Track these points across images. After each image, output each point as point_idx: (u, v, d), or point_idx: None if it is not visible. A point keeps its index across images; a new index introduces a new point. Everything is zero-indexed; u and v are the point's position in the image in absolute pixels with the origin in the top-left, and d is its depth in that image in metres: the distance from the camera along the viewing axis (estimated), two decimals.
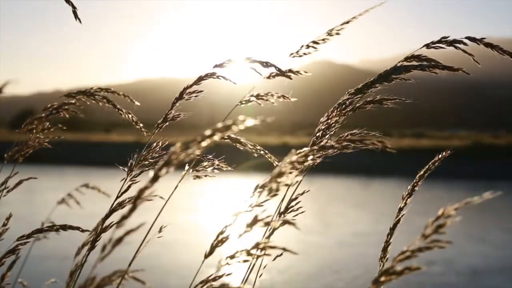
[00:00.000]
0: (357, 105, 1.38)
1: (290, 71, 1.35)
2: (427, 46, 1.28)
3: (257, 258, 0.93)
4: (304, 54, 1.35)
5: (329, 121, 1.38)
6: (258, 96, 1.40)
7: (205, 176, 1.44)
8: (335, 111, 1.38)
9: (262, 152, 1.49)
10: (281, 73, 1.35)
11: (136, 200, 0.79)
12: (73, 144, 35.04)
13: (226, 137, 1.45)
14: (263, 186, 1.03)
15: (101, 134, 57.15)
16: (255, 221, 0.86)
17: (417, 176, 1.55)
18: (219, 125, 0.86)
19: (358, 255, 11.61)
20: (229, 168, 1.49)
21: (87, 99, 1.52)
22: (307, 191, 1.32)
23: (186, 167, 1.37)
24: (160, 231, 1.40)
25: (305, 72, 1.35)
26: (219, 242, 1.11)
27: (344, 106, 1.37)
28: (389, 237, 1.39)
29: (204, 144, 0.85)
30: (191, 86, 1.47)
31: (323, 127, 1.39)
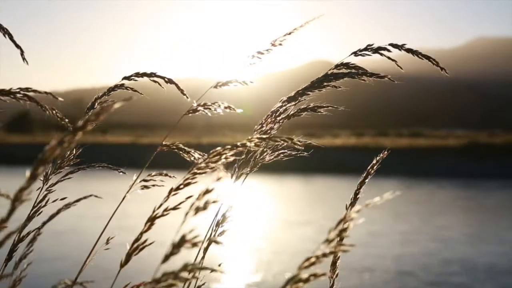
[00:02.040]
0: (291, 112, 1.41)
1: (236, 80, 1.38)
2: (355, 54, 1.33)
3: (185, 282, 0.86)
4: (251, 64, 1.37)
5: (263, 128, 1.40)
6: (205, 106, 1.41)
7: (153, 186, 1.44)
8: (269, 118, 1.40)
9: (199, 158, 1.43)
10: (226, 83, 1.38)
11: (14, 202, 0.77)
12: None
13: (175, 146, 1.48)
14: (177, 188, 1.02)
15: (97, 135, 57.04)
16: (182, 242, 0.81)
17: (359, 181, 1.54)
18: (92, 115, 0.83)
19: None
20: (175, 176, 1.47)
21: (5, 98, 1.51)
22: (245, 202, 1.28)
23: (134, 177, 1.37)
24: (107, 242, 1.39)
25: (251, 82, 1.38)
26: (134, 250, 1.09)
27: (278, 113, 1.40)
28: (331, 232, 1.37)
29: (77, 137, 0.82)
30: (101, 96, 1.55)
31: (256, 135, 1.39)
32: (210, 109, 1.41)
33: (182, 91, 1.46)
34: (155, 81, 1.47)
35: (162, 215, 1.11)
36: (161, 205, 1.04)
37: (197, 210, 0.86)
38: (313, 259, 0.91)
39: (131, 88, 1.52)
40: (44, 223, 1.53)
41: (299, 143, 1.09)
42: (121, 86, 1.52)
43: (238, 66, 1.38)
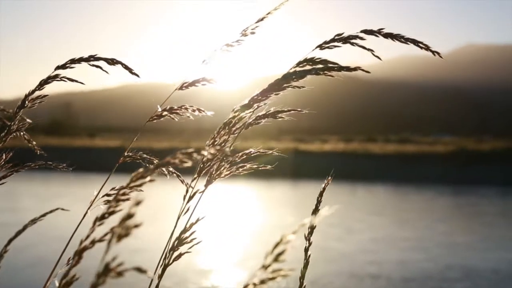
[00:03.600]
0: (249, 121, 1.28)
1: (203, 79, 1.28)
2: (320, 47, 1.16)
3: None
4: (219, 58, 1.27)
5: (216, 142, 1.29)
6: (171, 110, 1.31)
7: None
8: (222, 131, 1.29)
9: (174, 174, 1.39)
10: (192, 83, 1.29)
11: None
12: (57, 149, 34.81)
13: (138, 156, 1.40)
14: (102, 218, 0.96)
15: (85, 139, 56.84)
16: (106, 271, 0.74)
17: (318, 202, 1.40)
18: None
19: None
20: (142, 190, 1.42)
21: None
22: (202, 218, 1.23)
23: (95, 192, 1.27)
24: (67, 263, 1.29)
25: (221, 80, 1.28)
26: (65, 286, 1.00)
27: (231, 124, 1.28)
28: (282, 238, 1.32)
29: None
30: (33, 92, 1.38)
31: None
32: (177, 113, 1.31)
33: (130, 70, 1.33)
34: (96, 66, 1.31)
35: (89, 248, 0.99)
36: (87, 236, 0.95)
37: (120, 237, 0.77)
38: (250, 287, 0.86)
39: (69, 78, 1.35)
40: (10, 240, 1.44)
41: (228, 152, 0.96)
42: (55, 77, 1.35)
43: (206, 62, 1.27)
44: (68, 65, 1.34)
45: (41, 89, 1.38)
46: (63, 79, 1.34)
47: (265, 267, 0.83)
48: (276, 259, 0.84)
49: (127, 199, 0.96)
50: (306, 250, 1.37)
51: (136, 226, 0.79)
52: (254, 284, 0.86)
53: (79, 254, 0.97)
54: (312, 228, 1.37)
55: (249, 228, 16.00)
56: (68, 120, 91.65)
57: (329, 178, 1.43)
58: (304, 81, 1.15)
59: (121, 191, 0.96)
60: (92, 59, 1.31)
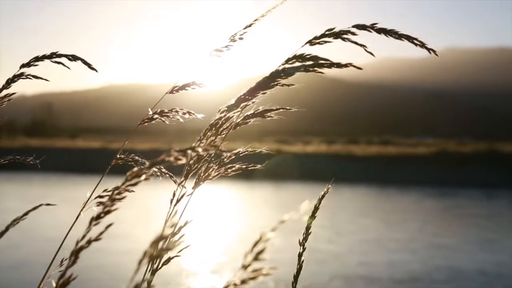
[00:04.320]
0: (237, 121, 1.26)
1: (194, 83, 1.28)
2: (310, 43, 1.10)
3: None
4: (209, 63, 1.25)
5: (202, 144, 1.27)
6: (162, 113, 1.30)
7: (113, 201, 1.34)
8: (208, 132, 1.27)
9: (166, 175, 1.37)
10: (183, 86, 1.28)
11: None
12: (38, 150, 34.36)
13: (130, 159, 1.39)
14: (98, 217, 0.95)
15: (66, 140, 56.38)
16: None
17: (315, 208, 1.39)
18: None
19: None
20: (133, 190, 1.40)
21: None
22: (190, 221, 1.21)
23: (88, 194, 1.25)
24: (61, 264, 1.29)
25: (211, 84, 1.27)
26: (62, 286, 0.99)
27: (218, 125, 1.26)
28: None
29: None
30: (1, 90, 1.39)
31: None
32: (168, 116, 1.31)
33: (89, 65, 1.35)
34: (58, 62, 1.34)
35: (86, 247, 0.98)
36: (83, 236, 0.93)
37: (152, 258, 0.78)
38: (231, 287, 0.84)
39: (34, 76, 1.39)
40: None
41: (224, 150, 0.93)
42: (20, 75, 1.37)
43: (197, 67, 1.26)
44: (32, 63, 1.36)
45: (8, 88, 1.39)
46: (28, 77, 1.37)
47: (245, 266, 0.82)
48: (256, 258, 0.82)
49: (123, 198, 0.97)
50: (300, 255, 1.36)
51: (169, 249, 0.81)
52: (235, 285, 0.84)
53: (75, 254, 0.97)
54: (307, 234, 1.37)
55: (228, 230, 15.98)
56: (49, 121, 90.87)
57: (329, 186, 1.42)
58: (294, 79, 1.10)
59: (116, 191, 0.96)
60: (54, 56, 1.34)
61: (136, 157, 1.41)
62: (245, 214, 19.93)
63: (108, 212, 0.96)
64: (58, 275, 1.20)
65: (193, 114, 1.31)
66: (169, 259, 1.20)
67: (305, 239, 1.36)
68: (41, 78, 1.39)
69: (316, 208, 1.37)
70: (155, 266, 1.20)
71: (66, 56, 1.34)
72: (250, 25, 1.23)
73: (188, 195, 1.25)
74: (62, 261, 1.31)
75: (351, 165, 35.19)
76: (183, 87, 1.29)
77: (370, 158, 37.46)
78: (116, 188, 0.98)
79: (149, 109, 1.31)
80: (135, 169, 0.90)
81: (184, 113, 1.31)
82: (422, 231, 16.41)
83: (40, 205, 1.49)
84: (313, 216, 1.37)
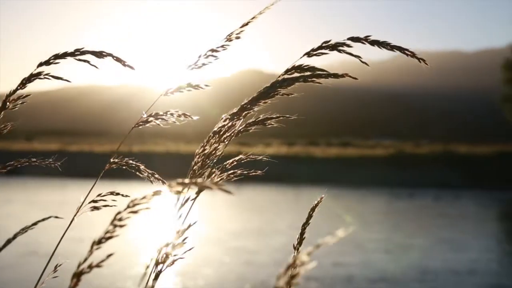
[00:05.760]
0: (239, 128, 1.27)
1: (189, 85, 1.25)
2: (308, 54, 1.16)
3: None
4: (204, 64, 1.24)
5: (206, 151, 1.27)
6: (157, 116, 1.29)
7: (105, 206, 1.32)
8: (211, 139, 1.27)
9: (159, 181, 1.39)
10: (178, 88, 1.26)
11: None
12: None
13: (124, 163, 1.37)
14: (99, 242, 0.94)
15: (22, 142, 55.18)
16: None
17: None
18: None
19: None
20: (128, 195, 1.38)
21: None
22: (193, 224, 1.21)
23: (82, 199, 1.23)
24: (55, 270, 1.29)
25: (206, 85, 1.25)
26: None
27: (221, 132, 1.26)
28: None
29: None
30: (14, 91, 1.29)
31: (199, 158, 1.28)
32: (163, 118, 1.29)
33: (123, 62, 1.24)
34: (83, 60, 1.23)
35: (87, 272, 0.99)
36: (85, 259, 0.95)
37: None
38: None
39: (52, 76, 1.27)
40: (0, 249, 1.40)
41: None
42: (38, 75, 1.27)
43: (190, 68, 1.24)
44: (52, 61, 1.24)
45: (23, 88, 1.29)
46: (46, 76, 1.26)
47: None
48: (289, 282, 0.80)
49: (124, 225, 0.95)
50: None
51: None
52: None
53: (77, 276, 0.96)
54: (302, 234, 1.38)
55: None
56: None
57: (322, 196, 1.47)
58: (292, 88, 1.17)
59: (118, 216, 0.95)
60: (77, 53, 1.22)
61: (130, 161, 1.39)
62: (207, 216, 19.86)
63: (110, 237, 0.95)
64: (52, 281, 1.18)
65: (189, 116, 1.30)
66: (173, 262, 1.20)
67: (300, 243, 1.40)
68: (61, 79, 1.28)
69: (310, 216, 1.43)
70: (159, 268, 1.19)
71: (93, 52, 1.22)
72: (247, 23, 1.23)
73: (192, 200, 1.25)
74: (56, 268, 1.29)
75: (311, 167, 35.42)
76: (177, 90, 1.26)
77: (329, 159, 37.79)
78: (118, 213, 0.96)
79: (143, 112, 1.28)
80: (136, 198, 0.90)
81: (179, 116, 1.30)
82: (391, 232, 16.62)
83: (49, 217, 1.46)
84: (306, 223, 1.42)
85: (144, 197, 0.89)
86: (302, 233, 1.41)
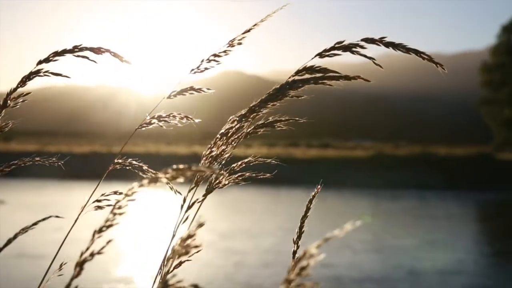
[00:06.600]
0: (248, 130, 1.27)
1: (191, 88, 1.27)
2: (320, 55, 1.12)
3: None
4: (206, 68, 1.25)
5: (213, 153, 1.27)
6: (160, 118, 1.30)
7: (108, 206, 1.33)
8: (218, 141, 1.28)
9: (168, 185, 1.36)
10: (181, 91, 1.27)
11: None
12: None
13: (128, 163, 1.38)
14: (100, 231, 0.96)
15: (1, 143, 54.54)
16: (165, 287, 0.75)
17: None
18: None
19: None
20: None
21: None
22: (202, 225, 1.21)
23: (86, 198, 1.25)
24: (60, 268, 1.29)
25: (208, 89, 1.27)
26: None
27: (229, 134, 1.27)
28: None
29: None
30: (15, 90, 1.29)
31: (206, 160, 1.28)
32: (166, 121, 1.30)
33: (120, 58, 1.22)
34: (83, 56, 1.22)
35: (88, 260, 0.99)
36: (87, 248, 0.96)
37: (179, 255, 0.81)
38: None
39: (52, 73, 1.26)
40: (0, 249, 1.38)
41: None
42: (37, 72, 1.26)
43: (192, 72, 1.25)
44: (51, 58, 1.25)
45: (23, 86, 1.29)
46: (46, 74, 1.26)
47: (288, 282, 0.82)
48: (299, 274, 0.83)
49: (123, 213, 0.96)
50: (294, 253, 1.38)
51: (196, 246, 0.83)
52: None
53: (80, 265, 0.97)
54: (301, 228, 1.37)
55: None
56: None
57: (318, 186, 1.46)
58: (302, 90, 1.15)
59: (117, 204, 0.96)
60: (76, 50, 1.22)
61: (134, 162, 1.39)
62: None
63: (111, 226, 0.97)
64: (57, 280, 1.18)
65: (191, 118, 1.31)
66: (180, 263, 1.20)
67: (299, 237, 1.38)
68: (60, 75, 1.27)
69: (308, 208, 1.41)
70: (166, 268, 1.20)
71: (91, 49, 1.21)
72: (249, 30, 1.23)
73: (199, 202, 1.26)
74: (61, 266, 1.28)
75: (291, 168, 35.48)
76: (180, 93, 1.27)
77: (309, 161, 37.90)
78: (117, 202, 0.98)
79: (147, 114, 1.29)
80: (135, 184, 0.92)
81: (181, 118, 1.31)
82: (377, 232, 16.69)
83: (50, 216, 1.47)
84: (305, 216, 1.40)
85: (141, 185, 0.91)
86: (301, 227, 1.40)
